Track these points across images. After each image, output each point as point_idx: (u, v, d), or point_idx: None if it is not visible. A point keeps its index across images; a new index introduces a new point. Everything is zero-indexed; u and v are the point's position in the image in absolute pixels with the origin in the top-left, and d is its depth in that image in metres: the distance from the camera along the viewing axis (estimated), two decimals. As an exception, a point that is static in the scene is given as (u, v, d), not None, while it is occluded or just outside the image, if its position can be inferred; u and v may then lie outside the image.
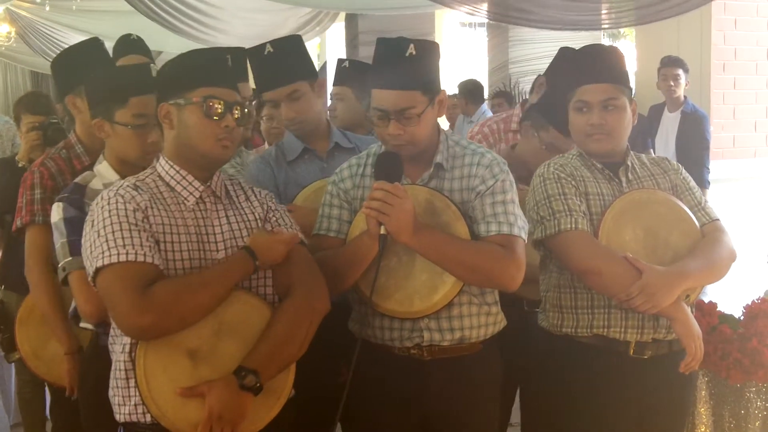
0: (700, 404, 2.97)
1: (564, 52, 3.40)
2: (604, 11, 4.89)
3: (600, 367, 2.45)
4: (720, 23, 6.91)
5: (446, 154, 2.33)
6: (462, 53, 11.52)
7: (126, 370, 1.96)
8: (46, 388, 3.83)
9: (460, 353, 2.30)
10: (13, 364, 3.74)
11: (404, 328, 2.28)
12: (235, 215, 2.11)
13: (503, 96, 7.67)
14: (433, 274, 2.22)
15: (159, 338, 1.90)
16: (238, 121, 2.05)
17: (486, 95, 8.15)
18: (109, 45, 3.28)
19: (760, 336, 2.90)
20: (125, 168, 2.39)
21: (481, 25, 10.64)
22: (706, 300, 3.10)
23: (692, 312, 2.46)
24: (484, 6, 4.82)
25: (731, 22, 6.99)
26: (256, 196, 2.18)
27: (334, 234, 2.34)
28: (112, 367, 2.03)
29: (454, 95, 7.79)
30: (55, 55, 3.08)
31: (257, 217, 2.14)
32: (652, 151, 6.22)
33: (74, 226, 2.27)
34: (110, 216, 1.93)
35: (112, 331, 2.05)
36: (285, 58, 2.70)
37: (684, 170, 2.64)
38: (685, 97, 6.25)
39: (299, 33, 8.21)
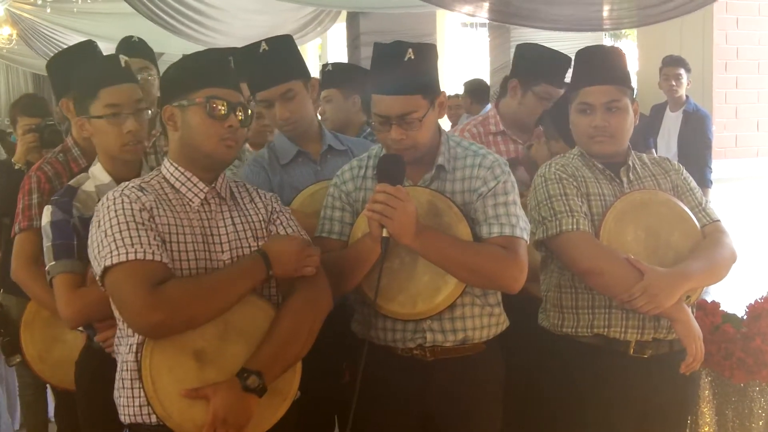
0: (704, 404, 2.97)
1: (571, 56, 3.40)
2: (606, 12, 4.88)
3: (600, 366, 2.45)
4: (722, 22, 6.90)
5: (448, 155, 2.33)
6: (463, 54, 11.50)
7: (131, 370, 1.97)
8: (48, 391, 3.84)
9: (463, 354, 2.30)
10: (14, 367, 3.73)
11: (407, 329, 2.28)
12: (239, 217, 2.11)
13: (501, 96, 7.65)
14: (435, 275, 2.22)
15: (166, 337, 1.90)
16: (241, 121, 2.05)
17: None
18: (111, 47, 3.28)
19: (764, 335, 2.90)
20: (116, 167, 2.40)
21: (482, 25, 10.63)
22: (709, 299, 3.10)
23: (693, 312, 2.46)
24: (486, 6, 4.81)
25: (733, 22, 6.98)
26: (261, 197, 2.19)
27: (336, 236, 2.34)
28: (118, 368, 2.03)
29: (457, 95, 7.78)
30: (55, 58, 3.09)
31: (261, 218, 2.14)
32: (654, 150, 6.22)
33: (60, 229, 2.28)
34: (117, 216, 1.94)
35: (117, 332, 2.05)
36: (280, 57, 2.68)
37: (685, 170, 2.63)
38: (687, 96, 6.24)
39: (300, 33, 8.22)
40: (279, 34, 2.87)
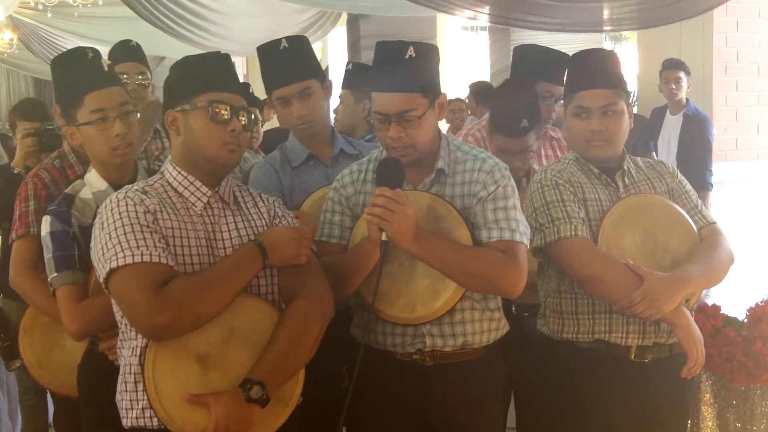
0: (705, 407, 2.97)
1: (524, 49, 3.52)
2: (606, 14, 4.88)
3: (601, 371, 2.45)
4: (722, 25, 6.91)
5: (447, 159, 2.33)
6: (464, 57, 11.51)
7: (135, 374, 1.97)
8: (48, 395, 3.83)
9: (463, 358, 2.30)
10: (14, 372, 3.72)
11: (406, 333, 2.28)
12: (243, 221, 2.11)
13: None
14: (434, 279, 2.22)
15: (173, 338, 1.89)
16: (244, 126, 2.05)
17: None
18: (111, 49, 3.27)
19: (764, 339, 2.90)
20: (110, 172, 2.39)
21: (483, 28, 10.64)
22: (710, 303, 3.10)
23: (692, 316, 2.46)
24: (486, 10, 4.82)
25: (733, 24, 6.98)
26: (263, 201, 2.19)
27: (336, 240, 2.34)
28: (120, 371, 2.03)
29: (458, 99, 7.78)
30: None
31: (264, 223, 2.14)
32: (654, 154, 6.22)
33: (59, 240, 2.28)
34: (121, 218, 1.93)
35: (120, 335, 2.05)
36: (299, 55, 2.71)
37: (680, 173, 2.64)
38: (687, 99, 6.25)
39: (302, 37, 8.21)
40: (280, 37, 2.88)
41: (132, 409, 1.98)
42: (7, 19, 10.12)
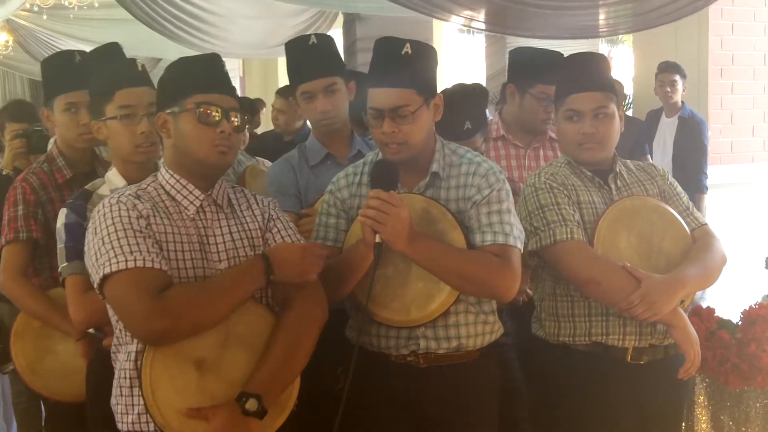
0: (699, 409, 2.97)
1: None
2: (601, 18, 4.88)
3: (598, 373, 2.45)
4: (717, 28, 6.92)
5: (442, 162, 2.33)
6: (460, 60, 11.52)
7: (131, 378, 1.96)
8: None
9: (457, 361, 2.30)
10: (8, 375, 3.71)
11: (401, 336, 2.28)
12: (236, 225, 2.10)
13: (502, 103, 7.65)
14: (429, 282, 2.22)
15: (170, 344, 1.89)
16: (237, 127, 2.04)
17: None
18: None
19: (758, 341, 2.90)
20: (130, 171, 2.41)
21: (479, 31, 10.63)
22: (704, 305, 3.10)
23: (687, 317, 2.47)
24: (481, 17, 4.82)
25: (728, 27, 7.00)
26: (258, 204, 2.17)
27: (331, 242, 2.34)
28: (116, 375, 2.03)
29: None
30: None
31: (258, 226, 2.13)
32: (649, 156, 6.23)
33: (72, 232, 2.30)
34: (114, 223, 1.92)
35: (115, 339, 2.05)
36: (327, 52, 2.79)
37: (670, 175, 2.65)
38: (682, 102, 6.26)
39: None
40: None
41: (128, 414, 1.98)
42: (3, 21, 10.11)
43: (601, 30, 4.98)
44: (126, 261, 1.87)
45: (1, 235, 2.67)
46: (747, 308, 3.04)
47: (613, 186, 2.53)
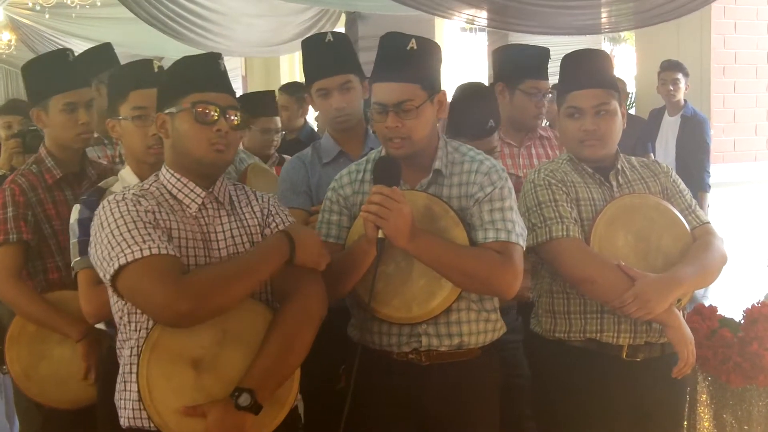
0: (702, 407, 2.97)
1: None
2: (604, 16, 4.89)
3: (593, 370, 2.45)
4: (720, 27, 6.92)
5: (445, 160, 2.33)
6: (462, 58, 11.51)
7: (133, 373, 1.96)
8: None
9: (459, 358, 2.30)
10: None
11: (402, 333, 2.28)
12: (236, 221, 2.10)
13: None
14: (431, 279, 2.22)
15: (192, 326, 1.88)
16: (235, 125, 2.04)
17: None
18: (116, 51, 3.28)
19: (761, 340, 2.90)
20: (143, 171, 2.41)
21: (481, 30, 10.61)
22: (706, 304, 3.10)
23: (684, 315, 2.47)
24: (484, 13, 4.83)
25: (731, 26, 6.99)
26: (257, 200, 2.18)
27: (334, 239, 2.34)
28: (120, 371, 2.03)
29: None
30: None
31: (257, 222, 2.13)
32: (652, 155, 6.23)
33: (85, 227, 2.30)
34: (122, 216, 1.93)
35: (119, 335, 2.05)
36: (343, 49, 2.82)
37: (674, 173, 2.64)
38: (685, 101, 6.25)
39: (300, 38, 8.23)
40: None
41: (128, 408, 1.99)
42: (6, 19, 10.13)
43: (603, 27, 4.99)
44: (141, 250, 1.87)
45: None
46: (749, 307, 3.04)
47: (614, 183, 2.53)
